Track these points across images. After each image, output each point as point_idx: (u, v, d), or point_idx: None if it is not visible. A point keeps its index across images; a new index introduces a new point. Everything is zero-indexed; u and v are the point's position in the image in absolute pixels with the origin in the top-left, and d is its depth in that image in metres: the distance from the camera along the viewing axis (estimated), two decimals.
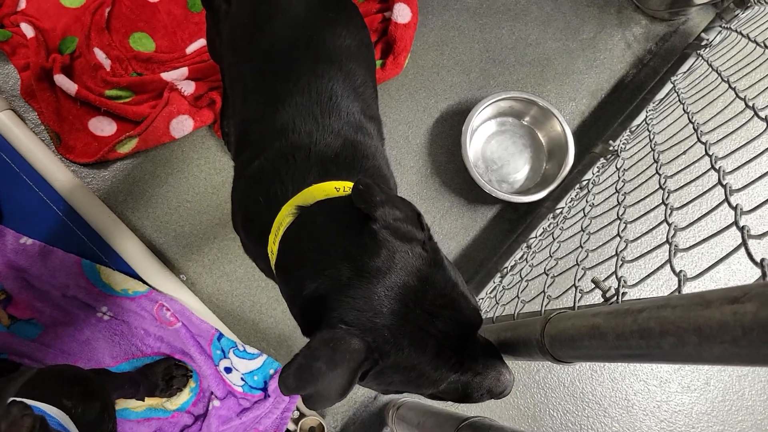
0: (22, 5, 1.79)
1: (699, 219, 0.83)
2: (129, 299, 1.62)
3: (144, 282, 1.65)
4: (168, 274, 1.67)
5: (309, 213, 0.82)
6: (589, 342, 0.69)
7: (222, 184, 1.76)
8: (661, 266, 0.80)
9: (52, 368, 1.11)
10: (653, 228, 0.99)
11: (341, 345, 0.67)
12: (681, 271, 0.70)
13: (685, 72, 1.83)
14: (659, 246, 0.87)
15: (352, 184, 0.81)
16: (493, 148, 1.89)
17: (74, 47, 1.78)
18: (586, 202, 1.51)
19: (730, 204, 0.75)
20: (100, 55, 1.76)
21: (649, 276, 0.81)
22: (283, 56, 1.03)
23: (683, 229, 0.86)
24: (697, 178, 1.01)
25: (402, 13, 1.81)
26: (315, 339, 0.68)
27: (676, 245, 0.79)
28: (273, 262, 0.86)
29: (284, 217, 0.83)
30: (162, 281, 1.65)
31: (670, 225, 0.86)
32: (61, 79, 1.69)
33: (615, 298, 0.81)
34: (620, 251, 0.96)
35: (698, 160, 1.06)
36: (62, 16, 1.80)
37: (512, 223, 1.87)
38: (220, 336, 1.63)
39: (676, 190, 1.05)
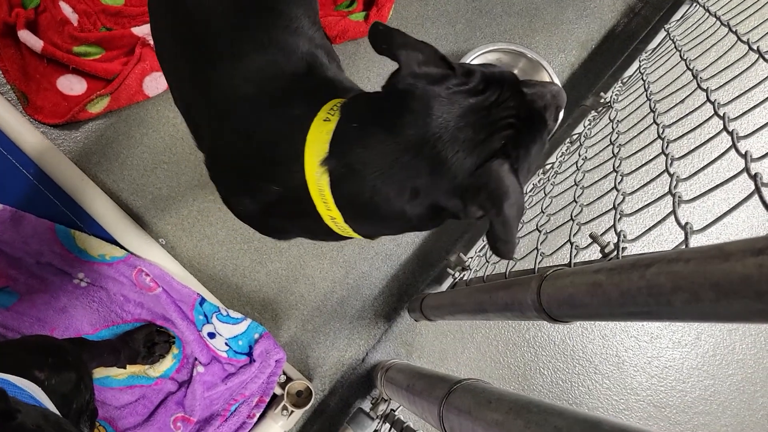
0: None
1: (704, 168, 0.78)
2: (106, 265, 1.56)
3: (121, 247, 1.59)
4: (146, 238, 1.61)
5: (338, 162, 0.76)
6: (591, 300, 0.65)
7: None
8: (664, 218, 0.76)
9: (22, 339, 1.06)
10: (653, 180, 0.94)
11: (498, 176, 0.69)
12: (687, 223, 0.66)
13: (678, 20, 1.77)
14: (660, 198, 0.83)
15: (336, 102, 0.80)
16: None
17: (38, 1, 1.67)
18: (579, 155, 1.46)
19: (738, 151, 0.71)
20: (66, 9, 1.66)
21: (651, 228, 0.77)
22: (202, 20, 0.92)
23: (686, 179, 0.81)
24: (698, 126, 0.96)
25: None
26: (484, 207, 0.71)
27: (679, 196, 0.75)
28: (341, 224, 0.81)
29: (318, 181, 0.77)
30: (140, 246, 1.59)
31: (672, 175, 0.81)
32: (25, 35, 1.60)
33: (615, 253, 0.77)
34: (618, 204, 0.92)
35: (698, 108, 1.01)
36: None
37: None
38: (203, 301, 1.58)
39: (675, 140, 1.00)
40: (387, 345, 1.72)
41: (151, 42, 1.65)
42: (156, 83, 1.66)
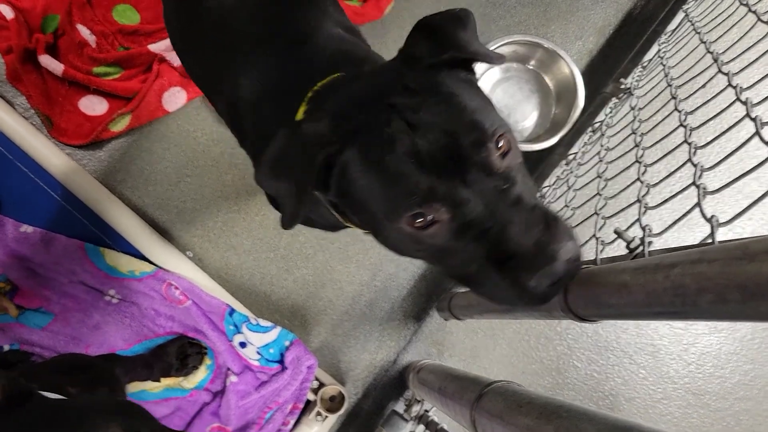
0: None
1: (727, 157, 0.76)
2: (136, 280, 1.58)
3: (150, 262, 1.61)
4: (174, 252, 1.63)
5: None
6: (617, 300, 0.64)
7: (221, 155, 1.70)
8: (689, 211, 0.74)
9: (55, 358, 1.08)
10: (676, 170, 0.92)
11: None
12: (713, 216, 0.64)
13: None
14: (685, 189, 0.81)
15: None
16: (499, 97, 1.81)
17: (56, 25, 1.70)
18: (601, 146, 1.44)
19: (762, 139, 0.69)
20: (84, 31, 1.69)
21: (675, 223, 0.75)
22: (231, 18, 0.95)
23: (710, 169, 0.79)
24: (721, 112, 0.94)
25: None
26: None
27: (704, 187, 0.73)
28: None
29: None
30: (168, 260, 1.61)
31: (695, 165, 0.79)
32: (46, 60, 1.63)
33: (640, 248, 0.76)
34: (642, 197, 0.90)
35: (721, 92, 0.98)
36: None
37: None
38: (232, 311, 1.59)
39: (698, 127, 0.98)
40: (418, 345, 1.71)
41: (168, 58, 1.67)
42: (175, 98, 1.67)
